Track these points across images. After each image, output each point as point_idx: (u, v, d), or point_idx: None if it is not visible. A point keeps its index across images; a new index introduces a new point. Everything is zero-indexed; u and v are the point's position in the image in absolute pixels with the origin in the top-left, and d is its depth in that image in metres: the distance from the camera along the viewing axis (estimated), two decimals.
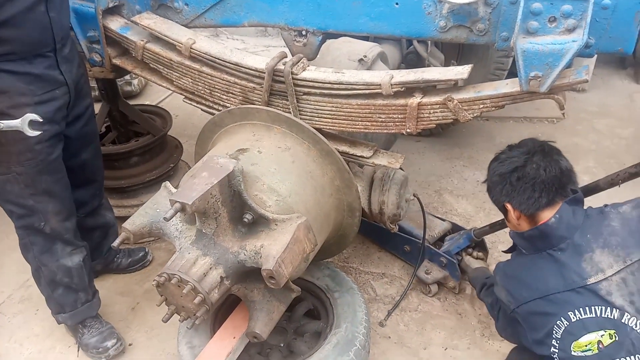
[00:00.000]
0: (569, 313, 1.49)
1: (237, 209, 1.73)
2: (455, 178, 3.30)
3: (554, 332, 1.52)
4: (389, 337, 2.31)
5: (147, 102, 4.26)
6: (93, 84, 4.15)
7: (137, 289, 2.64)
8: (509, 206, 1.65)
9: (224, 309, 2.13)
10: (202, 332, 2.01)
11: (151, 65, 2.32)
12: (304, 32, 2.22)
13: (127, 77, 4.36)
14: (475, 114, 1.79)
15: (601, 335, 1.45)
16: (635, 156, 3.43)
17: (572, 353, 1.48)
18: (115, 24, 2.33)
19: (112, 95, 2.86)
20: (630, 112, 3.96)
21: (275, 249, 1.64)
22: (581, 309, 1.48)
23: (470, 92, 1.78)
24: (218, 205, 1.66)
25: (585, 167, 3.33)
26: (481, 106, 1.77)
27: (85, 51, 2.37)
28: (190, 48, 2.11)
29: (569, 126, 3.79)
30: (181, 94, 2.33)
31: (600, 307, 1.47)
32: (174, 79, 2.28)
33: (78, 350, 2.33)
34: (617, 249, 1.51)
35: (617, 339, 1.43)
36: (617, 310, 1.45)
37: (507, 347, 2.11)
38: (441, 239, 2.57)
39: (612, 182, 1.80)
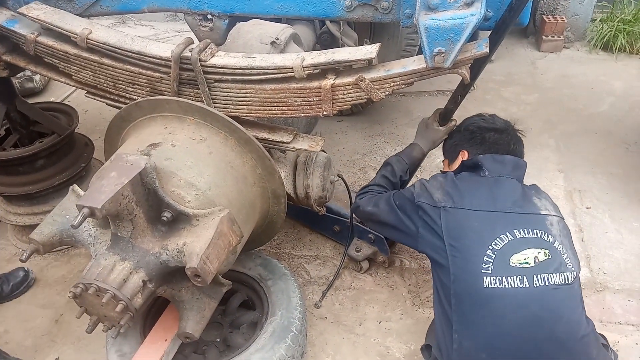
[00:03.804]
0: (515, 230, 1.69)
1: (154, 207, 1.65)
2: (377, 154, 3.37)
3: (494, 242, 1.67)
4: (326, 318, 2.35)
5: (51, 99, 3.97)
6: None
7: (59, 300, 2.49)
8: (465, 154, 2.00)
9: (154, 311, 2.06)
10: (131, 337, 1.93)
11: (46, 59, 2.13)
12: (209, 16, 2.12)
13: (28, 73, 4.01)
14: (387, 92, 1.81)
15: (538, 252, 1.67)
16: (539, 120, 3.67)
17: (510, 264, 1.64)
18: (0, 17, 2.11)
19: (9, 95, 2.61)
20: (533, 78, 4.22)
21: (198, 246, 1.59)
22: (527, 229, 1.70)
23: (380, 71, 1.79)
24: (132, 205, 1.57)
25: None
26: (392, 84, 1.78)
27: None
28: (87, 38, 1.96)
29: (479, 96, 3.97)
30: (82, 88, 2.17)
31: (542, 231, 1.71)
32: (72, 73, 2.11)
33: None
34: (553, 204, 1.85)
35: (549, 257, 1.67)
36: (552, 237, 1.71)
37: None
38: None
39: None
